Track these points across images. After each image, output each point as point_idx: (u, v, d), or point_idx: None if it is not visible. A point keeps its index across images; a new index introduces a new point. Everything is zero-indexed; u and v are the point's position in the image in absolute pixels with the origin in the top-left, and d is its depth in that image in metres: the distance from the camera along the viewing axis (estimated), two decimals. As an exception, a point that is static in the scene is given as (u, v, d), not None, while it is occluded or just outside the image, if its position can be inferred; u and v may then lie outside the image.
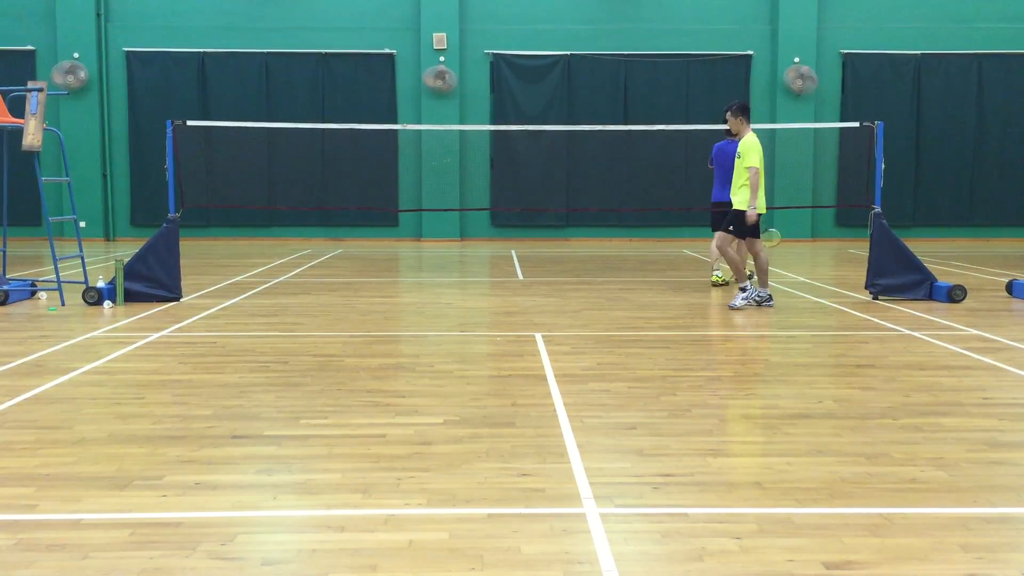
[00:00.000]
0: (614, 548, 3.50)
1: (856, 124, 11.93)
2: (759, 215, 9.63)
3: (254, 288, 11.43)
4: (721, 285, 11.67)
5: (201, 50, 20.01)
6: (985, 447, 4.83)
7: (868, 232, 10.44)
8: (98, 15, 19.75)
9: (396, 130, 19.63)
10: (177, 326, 8.50)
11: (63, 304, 9.72)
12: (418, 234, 20.46)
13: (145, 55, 20.02)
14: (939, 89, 20.37)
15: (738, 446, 4.83)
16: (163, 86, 20.01)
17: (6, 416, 5.39)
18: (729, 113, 9.84)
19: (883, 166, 10.38)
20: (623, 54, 20.16)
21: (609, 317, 9.24)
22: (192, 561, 3.38)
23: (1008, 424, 5.30)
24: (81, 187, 18.93)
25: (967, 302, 9.98)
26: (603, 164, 20.04)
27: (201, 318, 9.01)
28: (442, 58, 19.85)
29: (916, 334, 8.14)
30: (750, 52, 20.25)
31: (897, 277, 10.24)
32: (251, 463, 4.54)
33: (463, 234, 20.52)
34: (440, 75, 19.66)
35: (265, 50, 20.05)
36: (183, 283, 10.34)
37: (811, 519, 3.81)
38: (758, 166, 9.50)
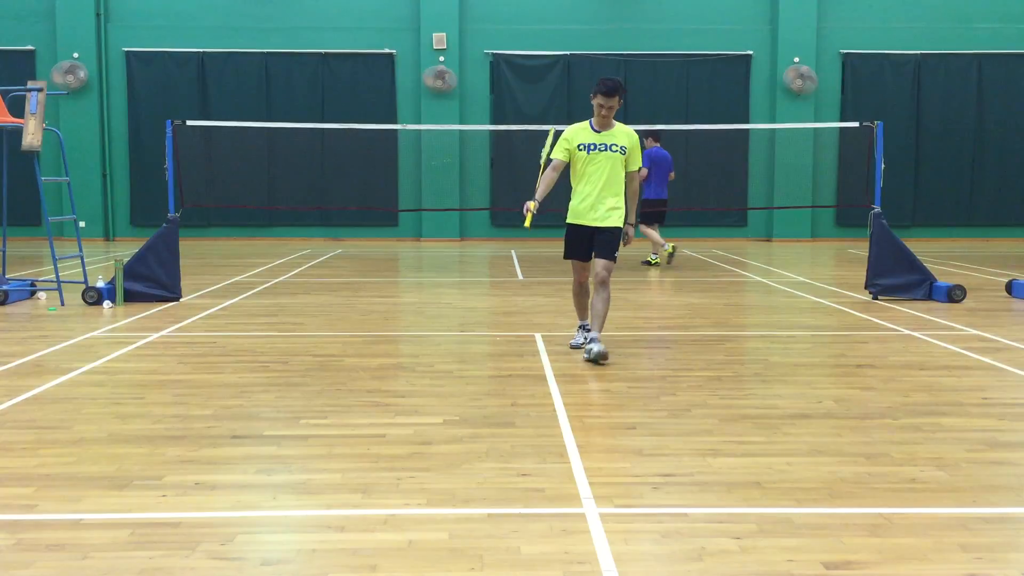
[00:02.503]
0: (614, 548, 3.50)
1: (856, 124, 11.94)
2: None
3: (254, 288, 11.43)
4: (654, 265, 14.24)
5: (201, 50, 20.01)
6: (985, 447, 4.83)
7: (868, 232, 10.44)
8: (98, 15, 19.75)
9: (396, 130, 19.64)
10: (177, 326, 8.50)
11: (63, 304, 9.72)
12: (418, 234, 20.46)
13: (145, 55, 20.01)
14: (939, 89, 20.37)
15: (738, 446, 4.83)
16: (163, 86, 20.01)
17: (6, 416, 5.39)
18: (618, 97, 7.07)
19: (883, 166, 10.38)
20: (623, 54, 20.16)
21: (609, 317, 9.22)
22: (192, 561, 3.38)
23: (1008, 424, 5.30)
24: (81, 187, 18.93)
25: (967, 302, 9.99)
26: (603, 164, 20.01)
27: (201, 318, 9.01)
28: (442, 58, 19.85)
29: (916, 334, 8.14)
30: (750, 52, 20.24)
31: (897, 277, 10.24)
32: (251, 463, 4.54)
33: (463, 234, 20.52)
34: (440, 75, 19.67)
35: (265, 50, 20.05)
36: (183, 283, 10.34)
37: (811, 519, 3.81)
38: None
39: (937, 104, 20.41)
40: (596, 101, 7.05)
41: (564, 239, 7.28)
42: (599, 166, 7.08)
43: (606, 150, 7.09)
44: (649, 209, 13.89)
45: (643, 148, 13.90)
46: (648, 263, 14.31)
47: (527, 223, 7.22)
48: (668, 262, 14.18)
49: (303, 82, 20.16)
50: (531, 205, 7.16)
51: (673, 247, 14.14)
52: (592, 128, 7.16)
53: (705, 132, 17.62)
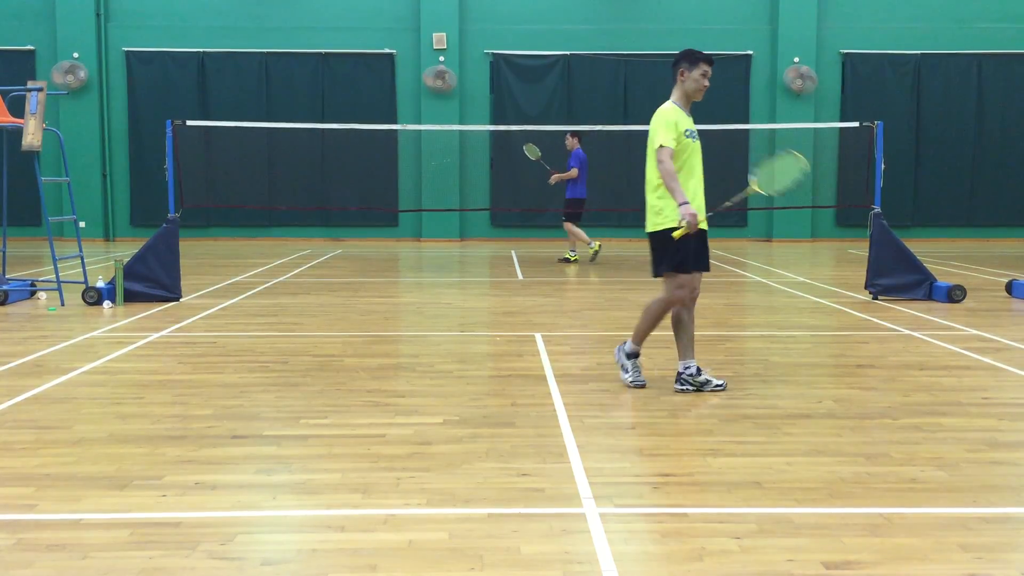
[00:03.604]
0: (614, 548, 3.50)
1: (856, 124, 11.94)
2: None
3: (254, 288, 11.43)
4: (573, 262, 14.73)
5: (201, 50, 20.01)
6: (985, 447, 4.83)
7: (868, 232, 10.44)
8: (98, 15, 19.75)
9: (396, 130, 19.64)
10: (177, 326, 8.50)
11: (63, 304, 9.72)
12: (418, 234, 20.46)
13: (145, 55, 20.01)
14: (939, 89, 20.37)
15: (738, 446, 4.82)
16: (163, 86, 20.01)
17: (6, 416, 5.39)
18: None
19: (883, 166, 10.38)
20: (623, 54, 20.16)
21: (609, 317, 9.23)
22: (192, 561, 3.38)
23: (1008, 424, 5.30)
24: (81, 187, 18.93)
25: (967, 302, 9.98)
26: (603, 164, 20.01)
27: (201, 318, 9.01)
28: (442, 58, 19.85)
29: (916, 334, 8.14)
30: (750, 52, 20.24)
31: (897, 277, 10.24)
32: (251, 463, 4.54)
33: (463, 234, 20.52)
34: (440, 75, 19.66)
35: (265, 50, 20.05)
36: (183, 283, 10.34)
37: (811, 519, 3.81)
38: None
39: (937, 104, 20.40)
40: (699, 72, 5.90)
41: (677, 247, 5.78)
42: (698, 156, 5.98)
43: (698, 137, 6.02)
44: (577, 209, 14.65)
45: (568, 148, 14.64)
46: (567, 260, 14.85)
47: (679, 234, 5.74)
48: (592, 259, 14.78)
49: (303, 82, 20.16)
50: (700, 216, 5.80)
51: (599, 245, 14.88)
52: (684, 111, 5.96)
53: (705, 132, 17.58)
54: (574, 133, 14.77)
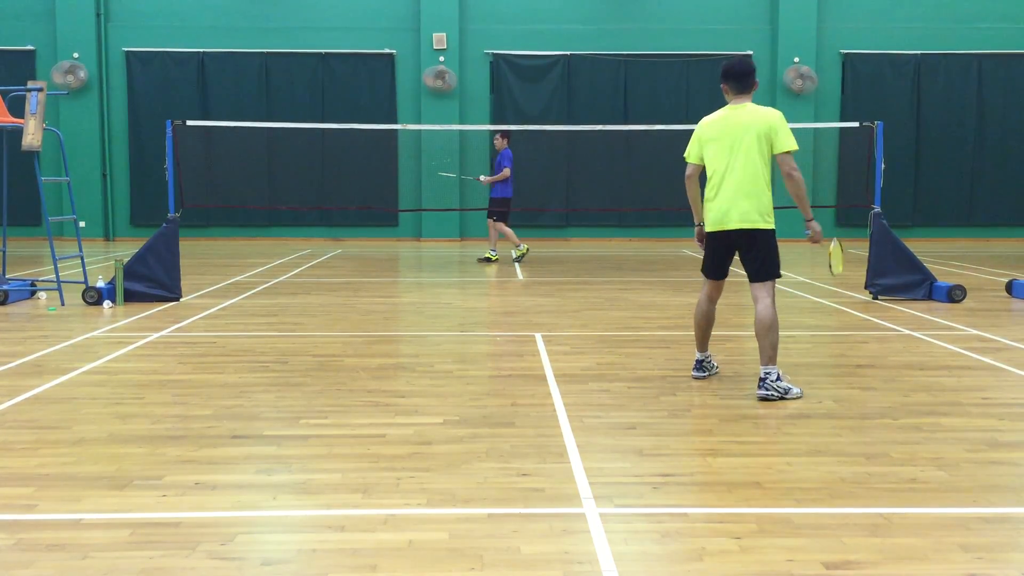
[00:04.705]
0: (614, 548, 3.50)
1: (856, 124, 11.94)
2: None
3: (254, 288, 11.43)
4: (494, 262, 14.91)
5: (201, 50, 20.01)
6: (985, 447, 4.83)
7: (868, 232, 10.44)
8: (98, 15, 19.75)
9: (396, 130, 19.63)
10: (177, 326, 8.50)
11: (63, 304, 9.72)
12: (418, 234, 20.46)
13: (145, 55, 20.02)
14: (939, 89, 20.37)
15: (738, 446, 4.83)
16: (163, 86, 20.01)
17: (6, 416, 5.39)
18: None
19: (883, 166, 10.39)
20: (623, 54, 20.16)
21: (609, 317, 9.24)
22: (192, 561, 3.38)
23: (1008, 424, 5.30)
24: (81, 187, 18.92)
25: (967, 302, 9.98)
26: (603, 164, 20.02)
27: (201, 318, 9.01)
28: (442, 58, 19.85)
29: (916, 334, 8.14)
30: (750, 52, 20.21)
31: (897, 277, 10.25)
32: (251, 463, 4.54)
33: (463, 234, 20.51)
34: (440, 75, 19.67)
35: (265, 50, 20.05)
36: (183, 283, 10.34)
37: (811, 519, 3.81)
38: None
39: (937, 104, 20.40)
40: None
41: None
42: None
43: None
44: (505, 208, 14.86)
45: (497, 148, 14.81)
46: (488, 260, 15.07)
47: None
48: (518, 260, 15.16)
49: (303, 82, 20.16)
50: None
51: (527, 248, 15.34)
52: None
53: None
54: (504, 134, 14.85)
